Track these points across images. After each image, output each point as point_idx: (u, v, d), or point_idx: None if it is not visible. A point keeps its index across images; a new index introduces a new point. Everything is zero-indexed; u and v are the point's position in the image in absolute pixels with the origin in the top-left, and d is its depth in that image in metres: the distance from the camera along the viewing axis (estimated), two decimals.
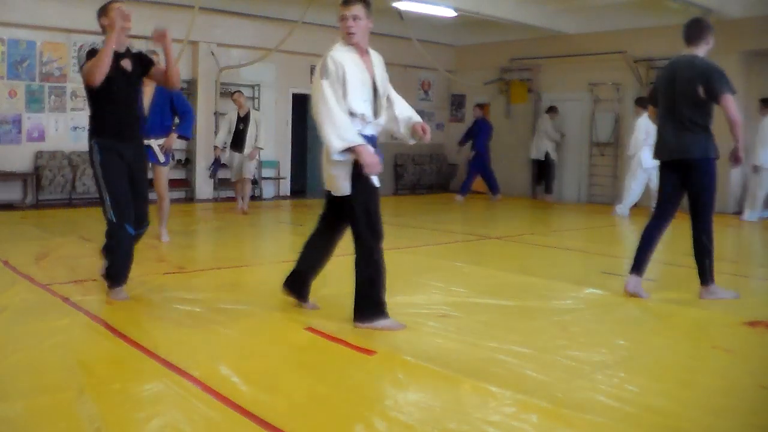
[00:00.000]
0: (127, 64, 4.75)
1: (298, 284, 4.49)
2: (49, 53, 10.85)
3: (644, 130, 10.39)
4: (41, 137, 10.88)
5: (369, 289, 4.11)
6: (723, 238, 9.38)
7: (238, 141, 10.00)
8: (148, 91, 6.46)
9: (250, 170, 10.24)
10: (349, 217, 4.20)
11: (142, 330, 3.91)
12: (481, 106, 13.80)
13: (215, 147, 10.21)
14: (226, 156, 10.06)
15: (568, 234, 9.24)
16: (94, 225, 8.72)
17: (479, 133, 13.42)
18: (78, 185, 10.92)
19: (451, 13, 11.73)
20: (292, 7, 11.58)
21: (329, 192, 4.26)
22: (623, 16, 12.20)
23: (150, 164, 6.35)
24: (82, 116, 11.26)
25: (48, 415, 2.73)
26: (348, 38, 4.10)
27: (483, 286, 5.39)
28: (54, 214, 9.55)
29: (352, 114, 4.01)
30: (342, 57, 4.07)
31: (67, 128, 11.15)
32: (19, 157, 10.64)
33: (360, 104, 4.06)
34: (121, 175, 4.55)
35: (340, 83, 4.00)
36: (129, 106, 4.69)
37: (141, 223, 4.81)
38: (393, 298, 4.85)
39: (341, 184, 4.09)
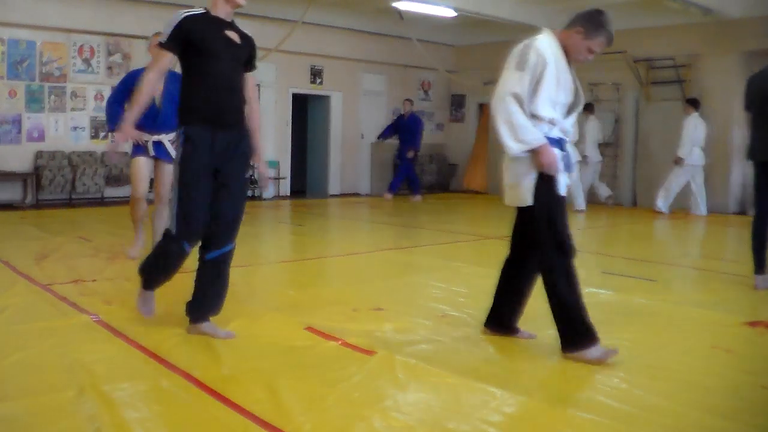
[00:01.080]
0: (234, 36, 4.03)
1: (502, 323, 3.94)
2: (49, 53, 10.85)
3: (693, 129, 10.90)
4: (41, 137, 10.88)
5: (574, 313, 3.57)
6: (723, 237, 9.39)
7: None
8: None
9: None
10: (531, 230, 3.71)
11: (142, 330, 3.91)
12: (411, 101, 13.37)
13: None
14: None
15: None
16: (94, 225, 8.74)
17: (416, 129, 13.01)
18: (78, 185, 10.92)
19: (451, 13, 11.73)
20: (292, 7, 11.58)
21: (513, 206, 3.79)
22: (623, 16, 12.18)
23: (154, 162, 6.14)
24: (83, 116, 11.28)
25: (48, 415, 2.73)
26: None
27: (483, 286, 5.38)
28: (54, 214, 9.55)
29: (534, 116, 3.59)
30: (547, 50, 3.62)
31: (67, 128, 11.15)
32: (19, 157, 10.65)
33: (548, 108, 3.60)
34: (204, 177, 3.69)
35: (535, 80, 3.57)
36: (233, 86, 3.81)
37: (215, 242, 3.79)
38: (393, 297, 4.86)
39: (522, 194, 3.61)
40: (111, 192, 11.53)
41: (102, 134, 11.50)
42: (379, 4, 11.99)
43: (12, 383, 3.09)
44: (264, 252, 7.64)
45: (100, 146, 11.46)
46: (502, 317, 3.94)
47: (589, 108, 11.77)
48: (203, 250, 3.84)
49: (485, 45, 14.75)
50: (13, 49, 10.53)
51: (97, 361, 3.38)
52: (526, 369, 3.45)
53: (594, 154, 11.91)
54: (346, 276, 6.09)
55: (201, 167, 3.66)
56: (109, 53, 11.42)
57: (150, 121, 5.81)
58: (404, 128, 13.10)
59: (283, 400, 2.93)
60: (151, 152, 6.01)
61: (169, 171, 5.90)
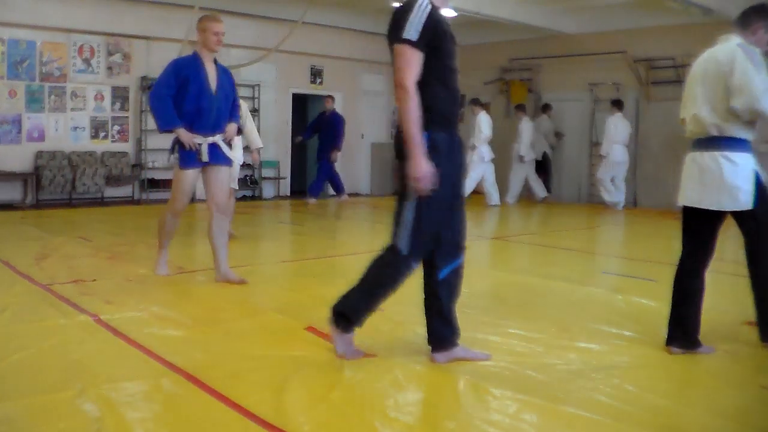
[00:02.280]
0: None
1: (687, 336, 3.78)
2: (49, 53, 10.85)
3: (613, 128, 11.75)
4: (41, 137, 10.89)
5: None
6: (723, 237, 9.38)
7: None
8: (211, 70, 5.19)
9: (234, 178, 7.56)
10: (752, 237, 3.73)
11: (142, 330, 3.91)
12: (332, 98, 12.62)
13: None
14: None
15: (568, 234, 9.23)
16: (94, 225, 8.74)
17: (339, 128, 12.22)
18: (78, 185, 10.93)
19: (451, 13, 11.71)
20: (292, 7, 11.58)
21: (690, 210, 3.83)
22: (623, 16, 12.20)
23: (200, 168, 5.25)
24: (83, 116, 11.28)
25: (48, 415, 2.73)
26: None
27: (483, 286, 5.39)
28: (54, 214, 9.55)
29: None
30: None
31: (67, 128, 11.15)
32: (19, 157, 10.65)
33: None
34: (450, 189, 3.34)
35: None
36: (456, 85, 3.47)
37: (448, 257, 3.47)
38: (394, 298, 4.85)
39: (741, 196, 3.63)
40: (111, 192, 11.53)
41: (102, 134, 11.51)
42: (379, 4, 11.98)
43: (12, 383, 3.09)
44: (264, 252, 7.64)
45: (100, 146, 11.47)
46: (686, 332, 3.78)
47: (521, 109, 12.95)
48: (432, 269, 3.47)
49: (485, 45, 14.74)
50: (13, 49, 10.53)
51: (97, 361, 3.38)
52: (526, 369, 3.45)
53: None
54: (347, 276, 6.07)
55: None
56: (109, 53, 11.43)
57: (206, 121, 5.12)
58: (326, 127, 12.21)
59: (283, 400, 2.93)
60: (205, 158, 5.13)
61: (226, 175, 5.32)
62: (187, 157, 5.10)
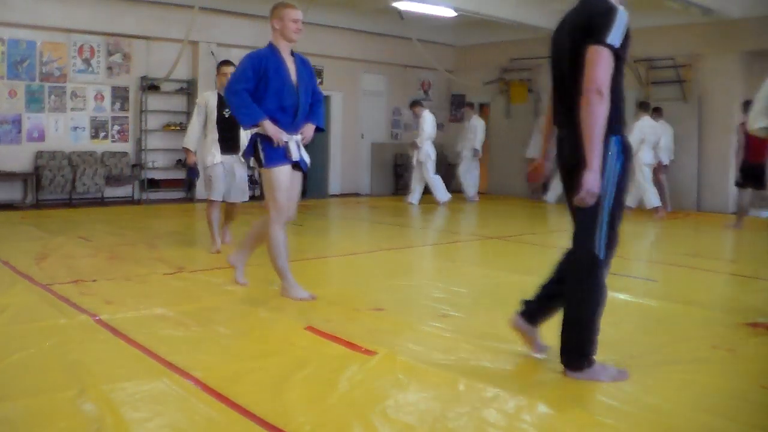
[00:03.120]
0: None
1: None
2: (49, 53, 10.85)
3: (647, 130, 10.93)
4: (41, 137, 10.89)
5: None
6: (723, 237, 9.38)
7: (228, 137, 6.58)
8: (290, 62, 4.69)
9: (244, 188, 6.81)
10: None
11: (142, 330, 3.91)
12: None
13: (187, 150, 6.93)
14: (215, 160, 6.63)
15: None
16: (94, 225, 8.74)
17: None
18: (78, 185, 10.93)
19: (451, 13, 11.73)
20: None
21: None
22: None
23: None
24: (83, 116, 11.28)
25: (48, 415, 2.73)
26: None
27: (483, 286, 5.39)
28: (54, 214, 9.55)
29: None
30: None
31: (67, 128, 11.15)
32: (19, 157, 10.65)
33: None
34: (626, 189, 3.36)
35: None
36: None
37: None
38: (393, 297, 4.86)
39: None
40: (111, 192, 11.53)
41: (102, 134, 11.51)
42: (379, 4, 11.98)
43: (12, 383, 3.09)
44: (264, 252, 7.63)
45: (100, 146, 11.47)
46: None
47: (471, 106, 13.55)
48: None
49: (485, 45, 14.75)
50: (13, 49, 10.53)
51: (97, 361, 3.38)
52: (526, 369, 3.44)
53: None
54: (346, 276, 6.10)
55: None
56: (109, 53, 11.43)
57: (289, 118, 4.62)
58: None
59: (284, 400, 2.93)
60: (295, 156, 4.65)
61: (300, 183, 4.89)
62: (274, 154, 4.55)
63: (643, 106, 11.10)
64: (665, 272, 6.29)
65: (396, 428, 2.68)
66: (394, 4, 11.18)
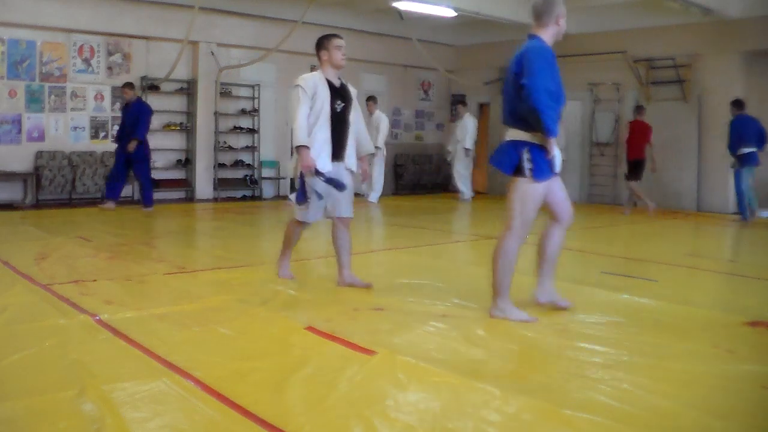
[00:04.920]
0: None
1: None
2: (49, 53, 10.85)
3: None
4: (41, 137, 10.89)
5: None
6: (722, 237, 9.39)
7: (339, 139, 5.07)
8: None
9: (352, 200, 5.30)
10: None
11: (142, 330, 3.91)
12: (132, 85, 10.39)
13: (305, 150, 4.86)
14: (325, 169, 4.93)
15: (568, 234, 9.21)
16: (94, 225, 8.74)
17: (142, 118, 10.18)
18: (78, 185, 10.93)
19: (451, 13, 11.73)
20: (292, 7, 11.58)
21: None
22: (623, 16, 12.20)
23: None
24: (83, 116, 11.28)
25: (48, 415, 2.73)
26: None
27: (483, 286, 5.38)
28: (54, 214, 9.55)
29: None
30: None
31: (67, 128, 11.15)
32: (19, 157, 10.65)
33: None
34: None
35: None
36: None
37: None
38: (394, 297, 4.85)
39: None
40: None
41: (102, 134, 11.50)
42: (379, 4, 11.99)
43: (12, 383, 3.09)
44: (264, 252, 7.64)
45: (100, 146, 11.47)
46: None
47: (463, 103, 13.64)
48: None
49: (485, 45, 14.75)
50: (13, 49, 10.53)
51: (97, 361, 3.38)
52: (526, 369, 3.44)
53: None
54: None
55: None
56: (109, 53, 11.43)
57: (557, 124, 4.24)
58: (128, 119, 10.21)
59: (284, 400, 2.93)
60: (559, 167, 4.35)
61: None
62: (545, 167, 4.20)
63: None
64: (665, 272, 6.29)
65: (396, 428, 2.68)
66: (394, 4, 11.18)
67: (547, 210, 4.51)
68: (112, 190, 10.33)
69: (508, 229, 4.34)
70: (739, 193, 10.29)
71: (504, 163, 4.28)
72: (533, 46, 4.30)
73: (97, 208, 10.21)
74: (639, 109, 11.35)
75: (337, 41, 5.14)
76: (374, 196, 12.79)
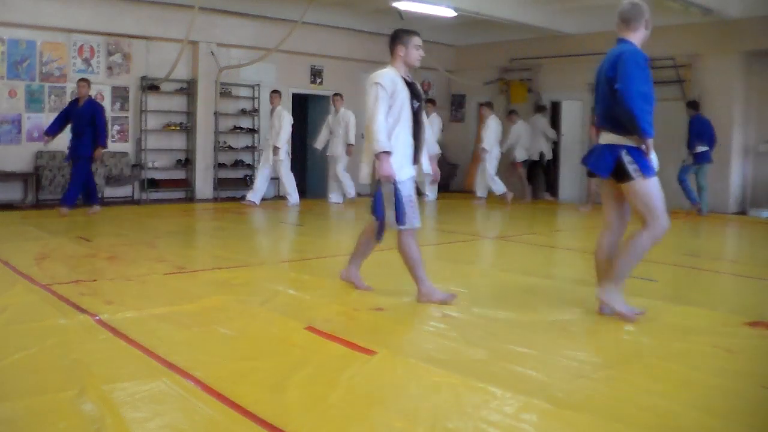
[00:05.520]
0: None
1: None
2: (49, 53, 10.85)
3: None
4: (41, 137, 10.87)
5: None
6: (723, 238, 9.39)
7: (419, 141, 4.85)
8: None
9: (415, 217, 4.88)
10: None
11: (142, 330, 3.91)
12: (86, 81, 9.67)
13: (385, 157, 4.56)
14: (409, 174, 4.75)
15: (568, 234, 9.24)
16: (94, 225, 8.74)
17: (98, 120, 9.48)
18: None
19: (451, 13, 11.73)
20: (292, 7, 11.57)
21: None
22: None
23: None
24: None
25: (48, 415, 2.73)
26: None
27: (483, 286, 5.39)
28: (54, 214, 9.53)
29: None
30: None
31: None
32: (19, 157, 10.64)
33: None
34: None
35: None
36: None
37: None
38: (394, 297, 4.85)
39: None
40: (111, 192, 11.53)
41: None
42: (379, 4, 11.98)
43: (12, 383, 3.09)
44: (264, 252, 7.64)
45: None
46: None
47: (490, 107, 13.11)
48: None
49: (485, 45, 14.74)
50: (13, 49, 10.52)
51: (97, 361, 3.38)
52: (526, 369, 3.45)
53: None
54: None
55: None
56: (109, 53, 11.42)
57: None
58: (79, 119, 9.42)
59: (284, 400, 2.93)
60: (657, 168, 4.41)
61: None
62: (648, 163, 4.29)
63: (514, 112, 13.19)
64: (665, 272, 6.29)
65: (396, 428, 2.68)
66: (394, 4, 11.18)
67: (607, 210, 4.58)
68: (85, 195, 9.67)
69: (646, 227, 4.36)
70: (683, 181, 11.09)
71: (599, 166, 4.37)
72: (627, 50, 4.32)
73: (86, 214, 9.57)
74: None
75: (417, 40, 4.82)
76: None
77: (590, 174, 4.70)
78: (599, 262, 4.56)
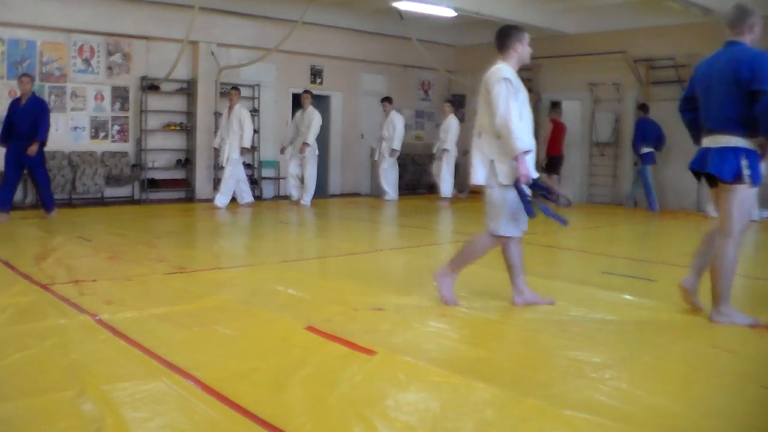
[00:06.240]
0: None
1: None
2: (49, 53, 10.85)
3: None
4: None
5: None
6: None
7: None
8: None
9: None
10: None
11: (142, 330, 3.91)
12: (29, 76, 9.15)
13: (523, 156, 4.43)
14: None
15: (568, 234, 9.23)
16: (94, 225, 8.74)
17: (42, 117, 8.86)
18: (78, 185, 10.92)
19: (451, 13, 11.73)
20: (292, 7, 11.58)
21: None
22: (623, 16, 12.20)
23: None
24: (83, 116, 11.28)
25: (48, 415, 2.73)
26: None
27: (483, 286, 5.38)
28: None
29: None
30: None
31: (67, 128, 11.15)
32: None
33: None
34: None
35: None
36: None
37: None
38: (394, 298, 4.85)
39: None
40: (111, 192, 11.53)
41: (102, 134, 11.50)
42: (379, 4, 11.99)
43: (12, 383, 3.09)
44: (264, 252, 7.63)
45: (100, 146, 11.47)
46: None
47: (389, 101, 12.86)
48: None
49: (485, 45, 14.68)
50: (13, 49, 10.52)
51: (97, 361, 3.38)
52: (526, 369, 3.45)
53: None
54: (346, 276, 6.09)
55: None
56: (109, 53, 11.42)
57: None
58: (23, 117, 8.79)
59: (284, 400, 2.93)
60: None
61: None
62: (759, 172, 4.23)
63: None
64: (665, 272, 6.29)
65: (396, 428, 2.68)
66: (394, 4, 11.18)
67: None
68: (2, 200, 8.74)
69: (728, 236, 4.25)
70: (647, 187, 11.76)
71: (723, 170, 4.20)
72: (760, 52, 4.18)
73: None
74: (555, 107, 12.51)
75: (528, 37, 4.77)
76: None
77: (696, 175, 4.50)
78: (697, 253, 4.55)
